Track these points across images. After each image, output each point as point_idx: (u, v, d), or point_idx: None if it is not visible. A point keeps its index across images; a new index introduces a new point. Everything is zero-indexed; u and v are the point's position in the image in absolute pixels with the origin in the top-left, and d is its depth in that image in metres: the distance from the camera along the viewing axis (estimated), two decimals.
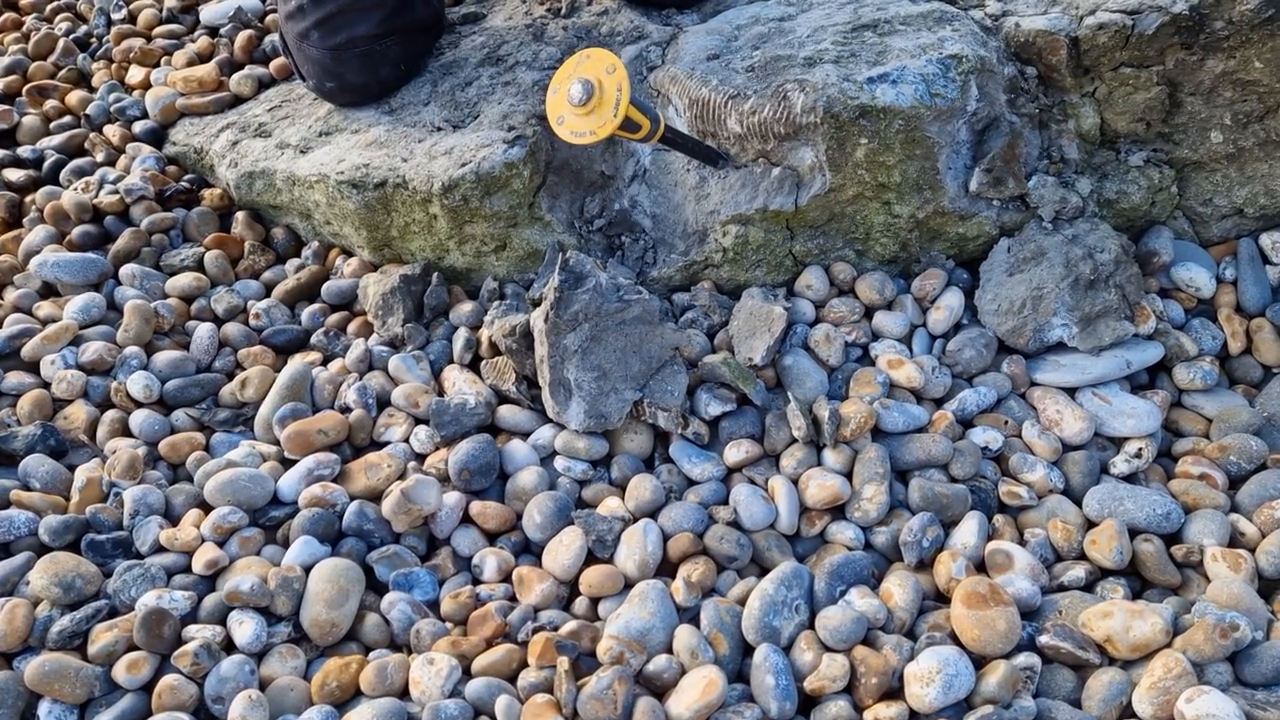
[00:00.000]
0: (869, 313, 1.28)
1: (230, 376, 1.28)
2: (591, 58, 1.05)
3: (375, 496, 1.13)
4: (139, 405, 1.22)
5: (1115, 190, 1.30)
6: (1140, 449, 1.16)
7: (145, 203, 1.43)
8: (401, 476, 1.14)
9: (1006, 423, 1.19)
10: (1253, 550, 1.06)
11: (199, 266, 1.40)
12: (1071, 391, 1.22)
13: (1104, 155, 1.32)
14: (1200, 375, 1.22)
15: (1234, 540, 1.08)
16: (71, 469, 1.15)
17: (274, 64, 1.60)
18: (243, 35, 1.64)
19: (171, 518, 1.11)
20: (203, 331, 1.29)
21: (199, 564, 1.05)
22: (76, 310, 1.29)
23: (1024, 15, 1.29)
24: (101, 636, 0.98)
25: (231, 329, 1.32)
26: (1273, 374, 1.26)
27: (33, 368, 1.25)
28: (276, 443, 1.19)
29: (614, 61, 1.03)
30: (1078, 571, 1.05)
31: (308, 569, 1.05)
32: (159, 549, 1.07)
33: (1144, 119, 1.29)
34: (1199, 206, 1.33)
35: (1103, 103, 1.29)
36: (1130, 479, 1.16)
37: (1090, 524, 1.10)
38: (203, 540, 1.07)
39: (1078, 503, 1.12)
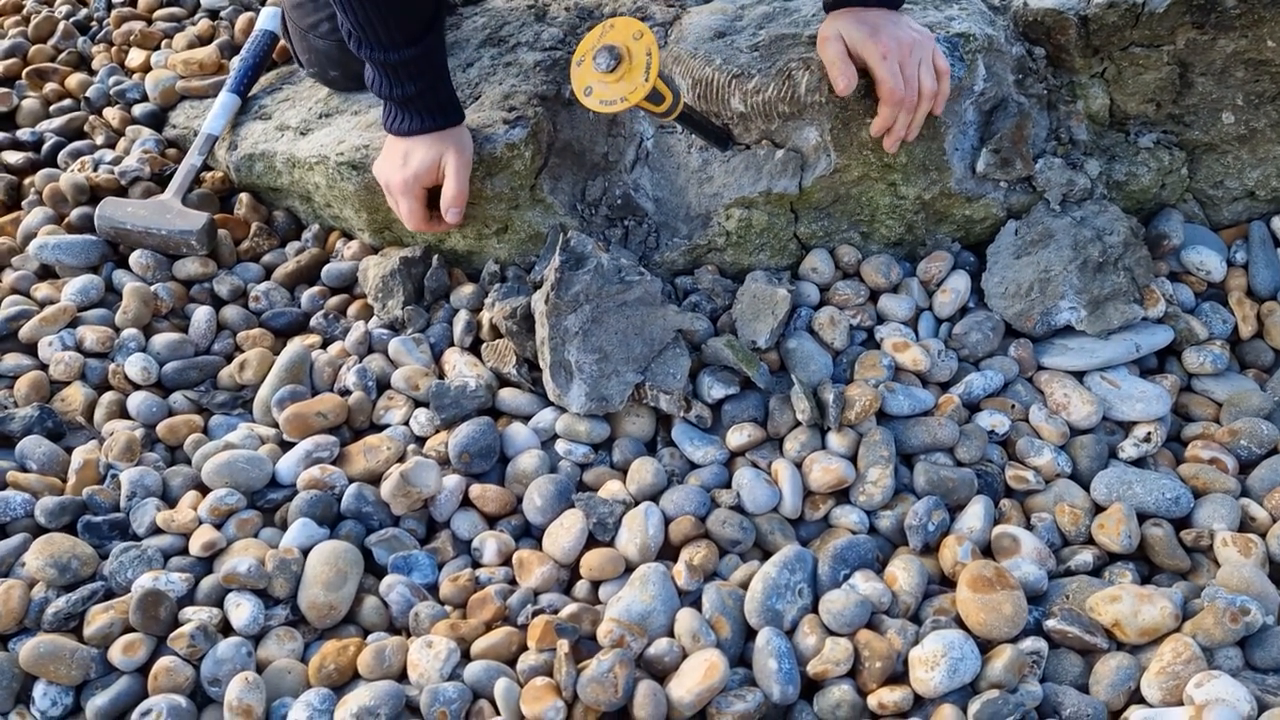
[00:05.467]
0: (874, 296, 1.27)
1: (229, 359, 1.27)
2: (616, 26, 1.03)
3: (374, 479, 1.12)
4: (137, 387, 1.21)
5: (1124, 172, 1.28)
6: (1149, 433, 1.15)
7: (142, 184, 1.42)
8: (401, 459, 1.13)
9: (1013, 406, 1.18)
10: (1263, 535, 1.04)
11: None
12: (1079, 375, 1.20)
13: (1113, 137, 1.30)
14: (1210, 359, 1.21)
15: (1244, 525, 1.06)
16: (69, 450, 1.14)
17: (276, 46, 1.59)
18: (244, 18, 1.62)
19: (169, 500, 1.10)
20: (201, 314, 1.28)
21: (196, 546, 1.04)
22: (75, 292, 1.28)
23: None
24: (97, 618, 0.97)
25: (230, 312, 1.31)
26: None
27: (30, 349, 1.24)
28: (275, 425, 1.18)
29: (640, 28, 1.01)
30: (1085, 556, 1.04)
31: (306, 551, 1.04)
32: (156, 531, 1.06)
33: (1154, 100, 1.27)
34: (1210, 189, 1.32)
35: (1112, 83, 1.27)
36: (1139, 463, 1.14)
37: (1098, 508, 1.09)
38: (200, 522, 1.06)
39: (1085, 487, 1.11)
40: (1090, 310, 1.21)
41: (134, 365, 1.20)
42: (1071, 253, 1.22)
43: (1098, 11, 1.22)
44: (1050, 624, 0.96)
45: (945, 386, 1.20)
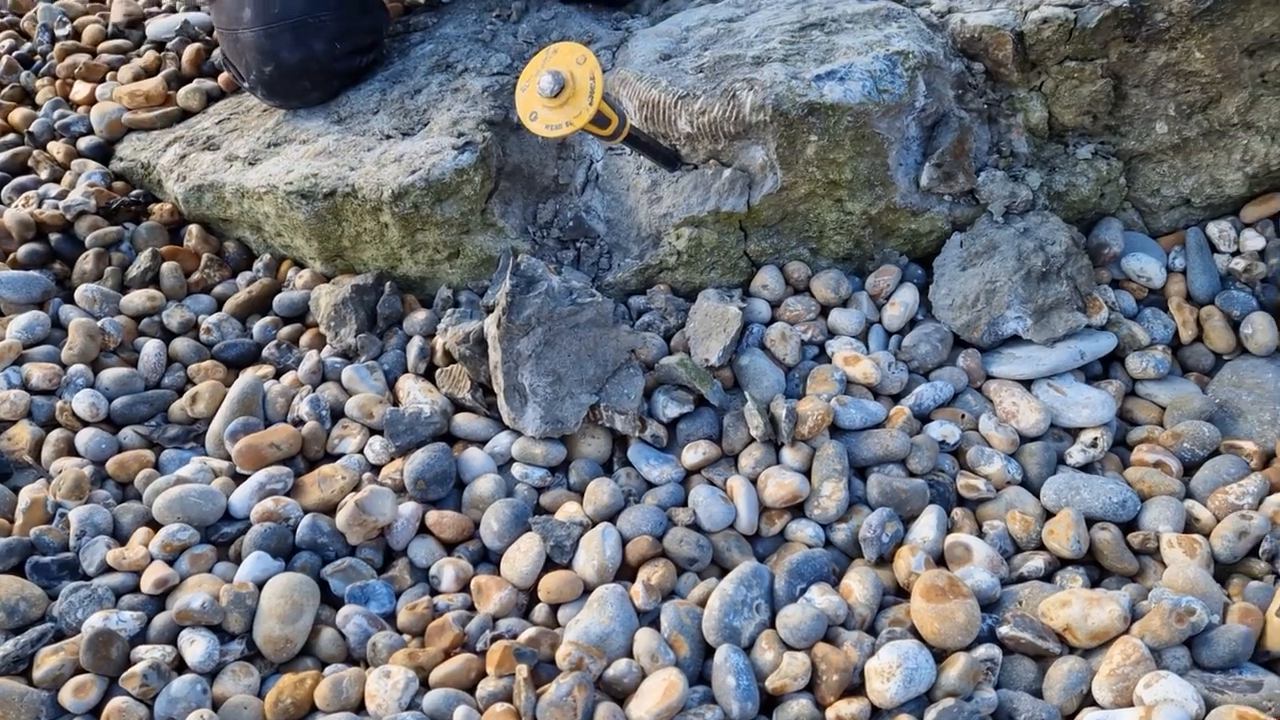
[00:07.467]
0: (824, 311, 1.28)
1: (180, 392, 1.26)
2: (560, 51, 1.04)
3: (329, 509, 1.11)
4: (85, 424, 1.20)
5: (1064, 183, 1.31)
6: (1096, 438, 1.17)
7: (88, 218, 1.41)
8: (356, 488, 1.13)
9: (963, 416, 1.19)
10: (1207, 535, 1.06)
11: (154, 281, 1.37)
12: (1027, 383, 1.22)
13: (1053, 149, 1.33)
14: (1153, 364, 1.23)
15: (1189, 526, 1.08)
16: (15, 490, 1.13)
17: (222, 77, 1.59)
18: (190, 49, 1.62)
19: (120, 537, 1.09)
20: (150, 348, 1.27)
21: (148, 583, 1.03)
22: (20, 329, 1.26)
23: (969, 11, 1.30)
24: (47, 660, 0.96)
25: (181, 344, 1.30)
26: (1224, 361, 1.27)
27: None
28: (228, 458, 1.17)
29: (584, 52, 1.02)
30: (1037, 562, 1.05)
31: (260, 585, 1.03)
32: (107, 569, 1.05)
33: (1090, 112, 1.30)
34: (1147, 197, 1.35)
35: (1049, 97, 1.30)
36: (1087, 468, 1.16)
37: (1048, 514, 1.10)
38: (152, 559, 1.05)
39: (1035, 493, 1.13)
40: (1036, 319, 1.23)
41: (82, 402, 1.19)
42: (1015, 263, 1.24)
43: (1033, 27, 1.25)
44: (1003, 631, 0.97)
45: (896, 398, 1.21)
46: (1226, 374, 1.25)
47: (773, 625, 0.99)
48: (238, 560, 1.07)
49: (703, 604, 1.01)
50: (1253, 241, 1.31)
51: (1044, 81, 1.29)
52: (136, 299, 1.33)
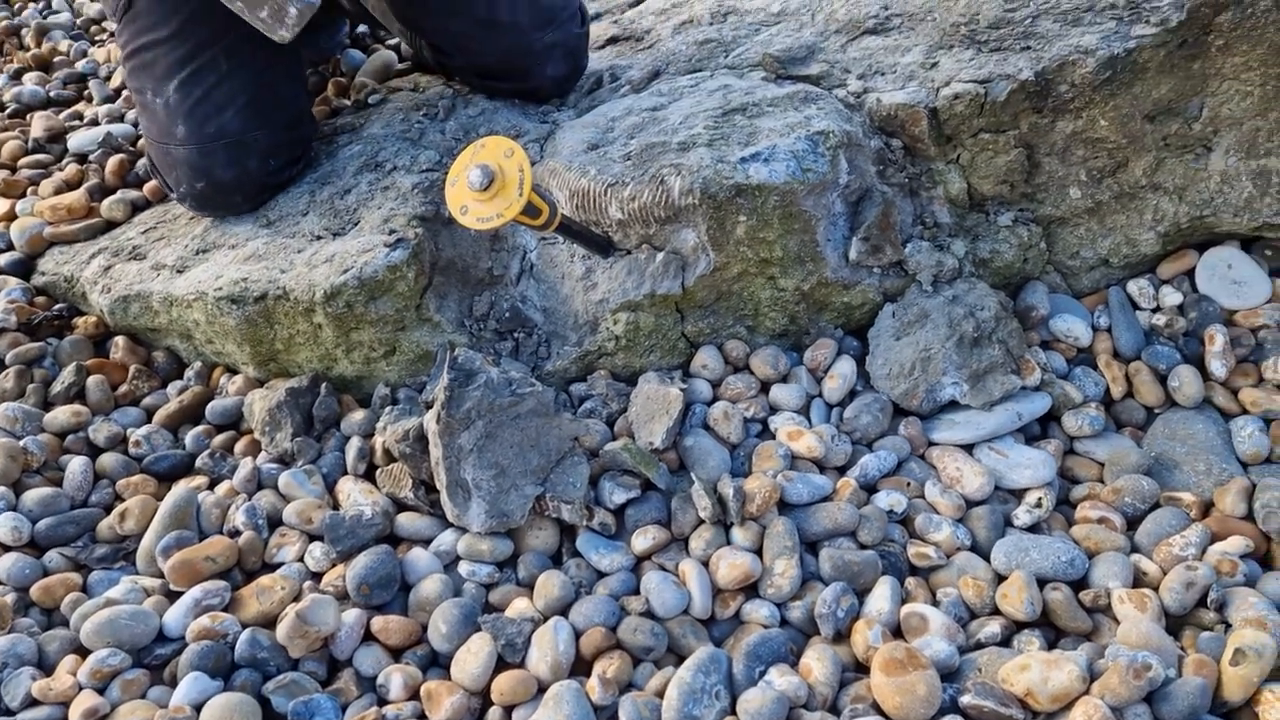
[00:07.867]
0: (765, 387, 1.29)
1: (109, 510, 1.21)
2: (487, 145, 1.05)
3: (269, 622, 1.07)
4: (7, 549, 1.14)
5: (988, 250, 1.35)
6: (1040, 498, 1.18)
7: (9, 335, 1.37)
8: (297, 598, 1.09)
9: (909, 484, 1.20)
10: (1156, 589, 1.07)
11: (80, 396, 1.34)
12: (969, 448, 1.23)
13: (974, 218, 1.37)
14: (1088, 421, 1.25)
15: (1138, 580, 1.09)
16: None
17: (148, 186, 1.57)
18: (114, 160, 1.60)
19: (45, 667, 1.03)
20: (76, 465, 1.23)
21: (76, 714, 0.97)
22: None
23: (884, 90, 1.35)
24: None
25: (108, 460, 1.25)
26: (1155, 414, 1.30)
27: None
28: (161, 575, 1.12)
29: (511, 145, 1.04)
30: (993, 627, 1.05)
31: (198, 707, 0.98)
32: (32, 703, 0.99)
33: (1007, 181, 1.34)
34: (1068, 260, 1.39)
35: (967, 168, 1.34)
36: (1034, 529, 1.17)
37: (1000, 578, 1.10)
38: (80, 688, 1.00)
39: (986, 557, 1.13)
40: (972, 384, 1.25)
41: (3, 526, 1.14)
42: (947, 330, 1.26)
43: (945, 103, 1.30)
44: (965, 700, 0.96)
45: (842, 470, 1.21)
46: (1159, 427, 1.28)
47: (734, 711, 0.97)
48: (173, 683, 1.02)
49: (661, 694, 0.99)
50: (1171, 297, 1.36)
51: (960, 154, 1.34)
52: (61, 415, 1.29)
